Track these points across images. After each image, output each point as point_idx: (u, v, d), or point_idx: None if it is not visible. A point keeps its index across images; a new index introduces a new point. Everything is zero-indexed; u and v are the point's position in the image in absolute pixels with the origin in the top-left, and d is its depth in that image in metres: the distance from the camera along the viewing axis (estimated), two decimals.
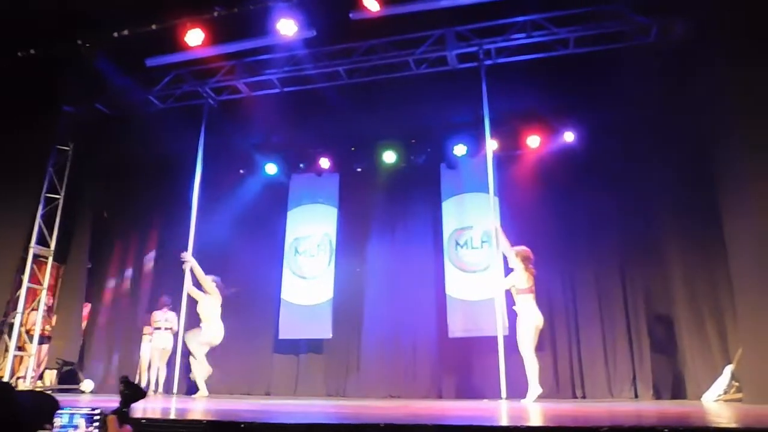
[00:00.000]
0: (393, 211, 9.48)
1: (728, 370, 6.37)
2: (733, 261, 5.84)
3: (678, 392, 7.23)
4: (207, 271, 7.81)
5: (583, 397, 7.70)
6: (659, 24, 7.19)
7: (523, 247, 6.78)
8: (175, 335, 8.37)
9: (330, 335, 8.83)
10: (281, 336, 9.08)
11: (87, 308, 9.84)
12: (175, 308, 8.41)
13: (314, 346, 9.10)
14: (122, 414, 2.26)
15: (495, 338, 7.12)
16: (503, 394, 6.79)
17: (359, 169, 9.75)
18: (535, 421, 2.92)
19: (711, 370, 6.79)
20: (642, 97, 7.93)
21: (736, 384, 6.28)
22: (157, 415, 3.49)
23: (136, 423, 2.50)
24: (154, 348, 8.69)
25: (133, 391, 2.34)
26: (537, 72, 8.23)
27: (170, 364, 8.59)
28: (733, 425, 2.75)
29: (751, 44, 5.42)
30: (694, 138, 7.06)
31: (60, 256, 9.23)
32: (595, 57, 7.76)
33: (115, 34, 7.69)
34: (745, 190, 5.48)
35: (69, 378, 8.71)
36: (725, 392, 6.28)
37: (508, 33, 7.65)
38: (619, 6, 7.17)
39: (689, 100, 7.23)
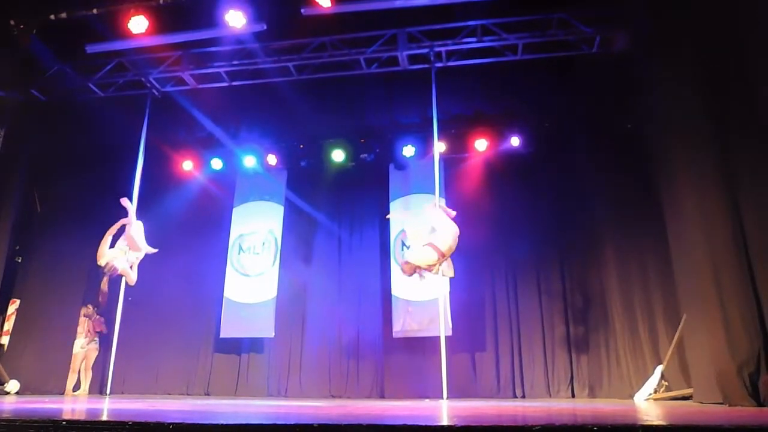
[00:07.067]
0: (340, 210, 9.41)
1: (659, 370, 6.63)
2: (677, 263, 5.99)
3: (612, 392, 7.47)
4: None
5: (523, 396, 7.86)
6: (602, 35, 7.41)
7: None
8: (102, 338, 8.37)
9: (273, 334, 8.68)
10: (222, 335, 8.86)
11: (16, 304, 9.31)
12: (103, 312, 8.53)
13: (256, 345, 8.92)
14: None
15: (438, 338, 7.17)
16: (445, 394, 6.85)
17: (303, 164, 9.58)
18: (473, 420, 2.92)
19: (643, 370, 7.07)
20: (587, 105, 8.19)
21: (666, 383, 6.55)
22: (81, 417, 3.32)
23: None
24: (82, 349, 8.68)
25: None
26: (486, 77, 8.38)
27: (98, 366, 8.57)
28: (659, 423, 2.83)
29: (682, 60, 5.66)
30: (638, 146, 7.30)
31: None
32: (542, 64, 7.94)
33: (52, 17, 7.32)
34: (684, 196, 5.66)
35: None
36: (655, 391, 6.53)
37: (459, 36, 7.73)
38: (566, 15, 7.36)
39: (633, 109, 7.49)
